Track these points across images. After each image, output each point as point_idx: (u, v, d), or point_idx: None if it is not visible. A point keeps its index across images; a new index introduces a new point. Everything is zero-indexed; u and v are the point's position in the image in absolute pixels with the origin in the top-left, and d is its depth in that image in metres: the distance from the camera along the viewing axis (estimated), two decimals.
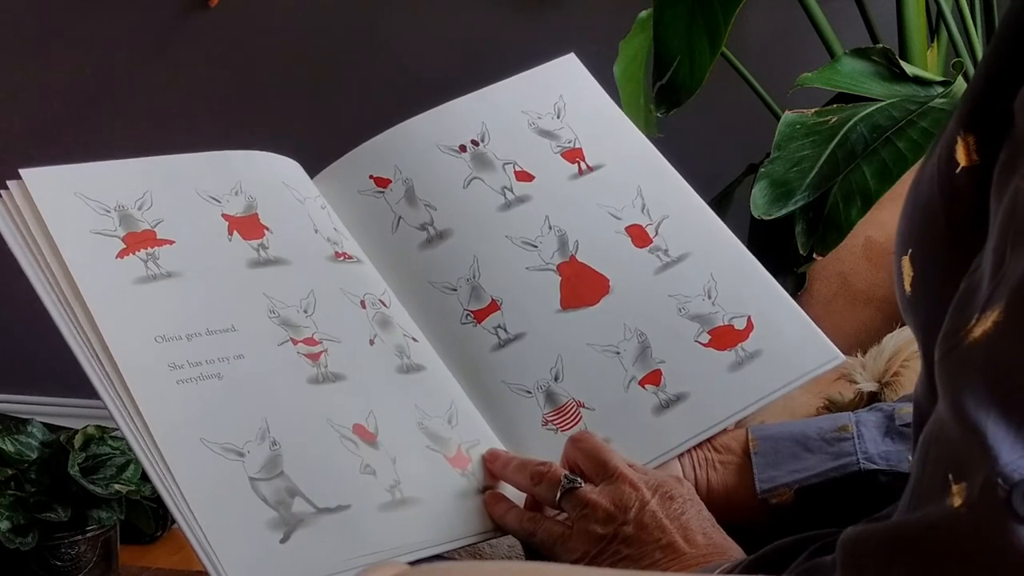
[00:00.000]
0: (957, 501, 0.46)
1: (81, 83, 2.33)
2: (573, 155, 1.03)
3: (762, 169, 1.42)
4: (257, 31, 2.24)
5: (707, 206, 1.02)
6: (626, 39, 1.75)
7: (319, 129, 2.17)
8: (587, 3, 2.07)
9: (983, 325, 0.49)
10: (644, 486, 0.82)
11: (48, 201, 0.87)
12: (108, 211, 0.89)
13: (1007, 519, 0.44)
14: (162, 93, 2.30)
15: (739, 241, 1.01)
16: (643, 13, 1.75)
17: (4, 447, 1.62)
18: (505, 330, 0.95)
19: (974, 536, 0.45)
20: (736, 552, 0.79)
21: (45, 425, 1.70)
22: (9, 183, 0.87)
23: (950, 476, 0.47)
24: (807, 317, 0.97)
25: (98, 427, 1.67)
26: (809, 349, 0.95)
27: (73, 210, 0.88)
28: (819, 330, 0.96)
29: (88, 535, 1.63)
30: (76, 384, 0.83)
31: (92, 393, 0.81)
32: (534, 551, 0.87)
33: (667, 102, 1.57)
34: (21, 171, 0.88)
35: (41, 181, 0.88)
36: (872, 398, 0.99)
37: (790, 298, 0.98)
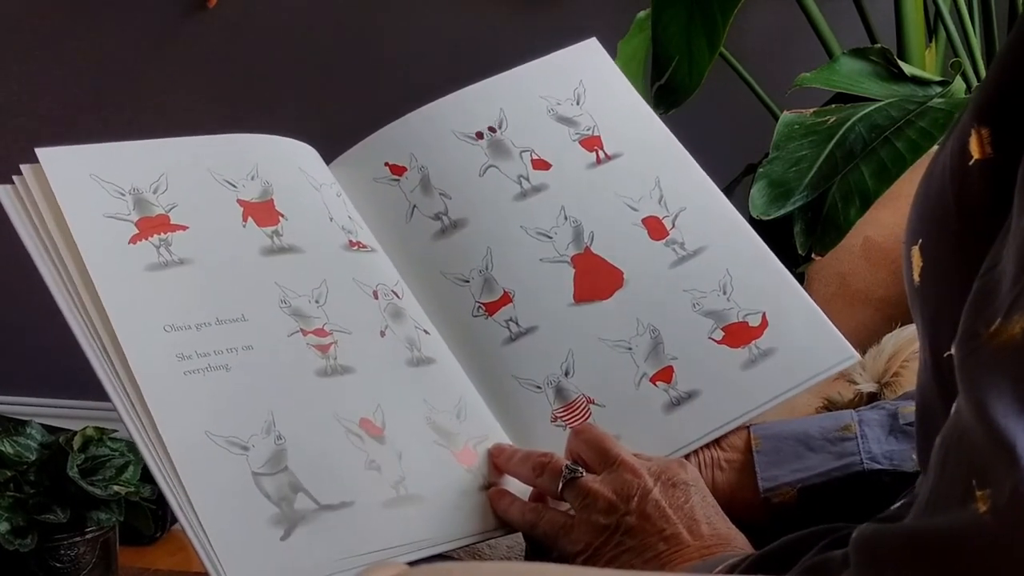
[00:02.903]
0: (982, 508, 0.46)
1: (80, 84, 2.33)
2: (591, 143, 1.02)
3: (760, 169, 1.42)
4: (257, 31, 2.24)
5: (726, 200, 1.01)
6: (624, 39, 1.75)
7: (320, 129, 2.16)
8: (586, 3, 2.07)
9: (1011, 329, 0.48)
10: (646, 473, 0.82)
11: (63, 182, 0.86)
12: (123, 194, 0.88)
13: None
14: (162, 94, 2.30)
15: (758, 236, 0.99)
16: (641, 13, 1.75)
17: (3, 449, 1.62)
18: (516, 323, 0.94)
19: (999, 545, 0.45)
20: (740, 541, 0.79)
21: (44, 427, 1.70)
22: (22, 166, 0.86)
23: (974, 482, 0.47)
24: (823, 315, 0.95)
25: (97, 428, 1.67)
26: (823, 348, 0.94)
27: (88, 192, 0.87)
28: (835, 328, 0.95)
29: (87, 536, 1.62)
30: (75, 385, 0.83)
31: (91, 394, 0.81)
32: (535, 551, 0.87)
33: (666, 102, 1.57)
34: (37, 151, 0.87)
35: (57, 161, 0.87)
36: (872, 398, 0.98)
37: (806, 295, 0.96)
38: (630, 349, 0.93)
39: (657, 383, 0.92)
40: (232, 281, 0.88)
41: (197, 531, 0.76)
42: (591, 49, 1.08)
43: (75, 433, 1.65)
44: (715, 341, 0.93)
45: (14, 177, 0.86)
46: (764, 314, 0.94)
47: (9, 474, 1.60)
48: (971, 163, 0.55)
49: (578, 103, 1.03)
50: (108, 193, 0.88)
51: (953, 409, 0.51)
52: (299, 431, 0.82)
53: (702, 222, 0.98)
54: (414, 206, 0.98)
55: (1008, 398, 0.47)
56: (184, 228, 0.88)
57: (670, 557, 0.78)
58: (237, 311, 0.86)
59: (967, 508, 0.46)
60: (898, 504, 0.60)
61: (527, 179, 0.99)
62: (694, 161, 1.02)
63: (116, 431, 0.81)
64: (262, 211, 0.92)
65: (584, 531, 0.82)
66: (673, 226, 0.98)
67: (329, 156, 1.03)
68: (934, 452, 0.51)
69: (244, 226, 0.91)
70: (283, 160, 0.97)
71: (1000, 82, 0.55)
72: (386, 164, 1.00)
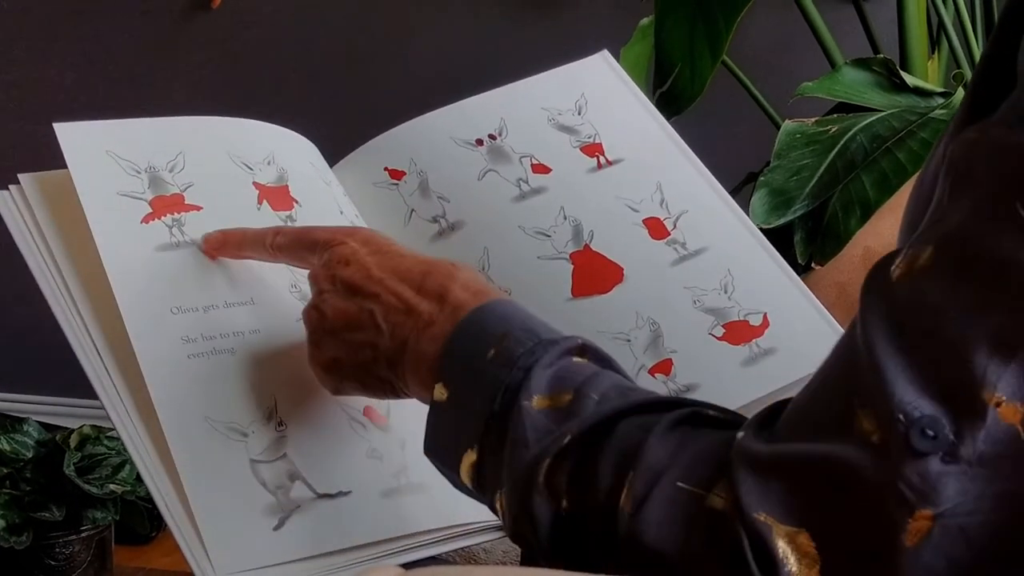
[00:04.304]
0: (868, 434, 0.50)
1: (82, 84, 2.33)
2: (592, 150, 1.01)
3: (762, 178, 1.42)
4: (260, 32, 2.24)
5: (732, 202, 1.00)
6: (627, 46, 1.76)
7: (323, 131, 2.17)
8: (588, 10, 2.07)
9: (909, 263, 0.52)
10: (351, 240, 0.78)
11: (79, 158, 0.85)
12: (138, 172, 0.87)
13: (906, 454, 0.49)
14: (164, 95, 2.30)
15: (764, 238, 0.98)
16: (644, 20, 1.76)
17: None
18: None
19: (879, 468, 0.49)
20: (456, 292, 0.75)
21: (41, 424, 1.70)
22: (20, 175, 0.86)
23: (855, 401, 0.51)
24: (828, 316, 0.95)
25: (94, 427, 1.67)
26: (825, 347, 0.93)
27: (103, 169, 0.86)
28: (840, 329, 0.93)
29: (83, 535, 1.62)
30: (72, 383, 0.83)
31: (89, 392, 0.80)
32: (531, 556, 0.87)
33: (668, 109, 1.57)
34: (55, 125, 0.86)
35: (74, 136, 0.86)
36: None
37: (812, 297, 0.96)
38: (629, 341, 0.92)
39: (656, 375, 0.91)
40: (243, 264, 0.87)
41: (182, 523, 0.76)
42: (597, 61, 1.07)
43: (72, 431, 1.65)
44: (715, 337, 0.93)
45: (11, 187, 0.86)
46: (765, 315, 0.94)
47: (5, 471, 1.60)
48: None
49: (579, 113, 1.03)
50: (124, 170, 0.87)
51: (848, 334, 0.55)
52: (301, 418, 0.82)
53: (704, 224, 0.98)
54: (412, 209, 0.98)
55: (893, 329, 0.51)
56: (198, 208, 0.87)
57: (419, 335, 0.73)
58: (246, 294, 0.85)
59: (850, 432, 0.51)
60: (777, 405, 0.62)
61: (526, 182, 0.99)
62: (700, 164, 1.02)
63: (113, 429, 0.80)
64: (278, 195, 0.91)
65: (333, 344, 0.77)
66: (674, 227, 0.97)
67: (330, 158, 1.03)
68: (819, 369, 0.56)
69: (259, 209, 0.90)
70: (296, 151, 0.97)
71: (984, 83, 0.56)
72: (385, 169, 1.00)
